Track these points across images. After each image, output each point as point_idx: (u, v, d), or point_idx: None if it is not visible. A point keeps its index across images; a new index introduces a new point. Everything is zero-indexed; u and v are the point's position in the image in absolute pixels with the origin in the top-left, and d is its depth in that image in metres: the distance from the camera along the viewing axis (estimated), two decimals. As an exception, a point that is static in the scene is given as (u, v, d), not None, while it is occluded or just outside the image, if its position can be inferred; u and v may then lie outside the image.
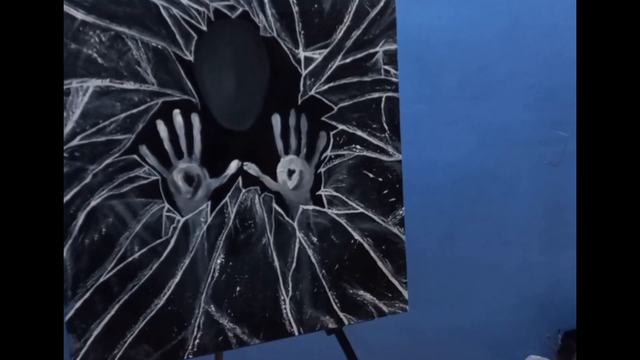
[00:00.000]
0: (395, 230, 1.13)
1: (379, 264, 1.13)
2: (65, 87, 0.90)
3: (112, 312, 0.97)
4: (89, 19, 0.91)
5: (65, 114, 0.91)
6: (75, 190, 0.93)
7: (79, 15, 0.90)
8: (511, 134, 1.62)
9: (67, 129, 0.91)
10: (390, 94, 1.09)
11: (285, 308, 1.07)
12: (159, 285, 0.99)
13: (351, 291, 1.12)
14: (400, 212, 1.13)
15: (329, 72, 1.05)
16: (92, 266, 0.95)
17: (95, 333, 0.96)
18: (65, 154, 0.91)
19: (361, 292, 1.12)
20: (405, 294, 1.16)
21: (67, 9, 0.89)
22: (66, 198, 0.92)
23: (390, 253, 1.14)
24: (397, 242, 1.14)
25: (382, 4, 1.06)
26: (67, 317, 0.94)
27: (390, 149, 1.11)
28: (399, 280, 1.15)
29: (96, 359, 0.96)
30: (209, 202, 1.01)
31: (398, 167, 1.12)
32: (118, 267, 0.96)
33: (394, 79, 1.09)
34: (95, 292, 0.95)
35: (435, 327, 1.66)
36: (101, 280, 0.96)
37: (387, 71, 1.08)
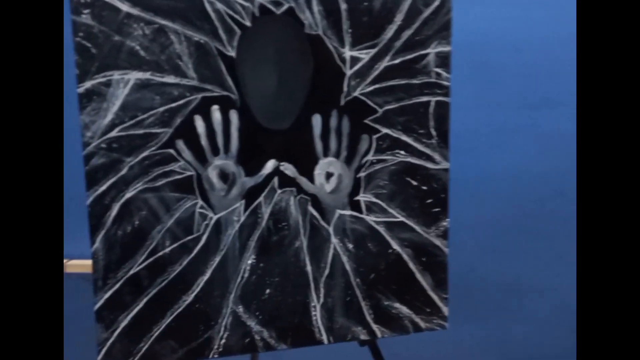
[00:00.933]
0: (437, 242, 1.10)
1: (418, 276, 1.10)
2: (106, 78, 0.92)
3: (140, 305, 0.99)
4: (134, 11, 0.92)
5: (105, 105, 0.93)
6: (111, 181, 0.95)
7: (125, 7, 0.92)
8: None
9: (106, 120, 0.93)
10: (440, 98, 1.05)
11: (315, 314, 1.06)
12: (188, 281, 1.00)
13: (386, 303, 1.09)
14: (444, 223, 1.09)
15: (376, 73, 1.02)
16: (123, 258, 0.97)
17: (122, 325, 0.98)
18: (103, 145, 0.94)
19: (397, 305, 1.10)
20: (445, 310, 1.12)
21: (113, 0, 0.91)
22: (102, 188, 0.95)
23: (431, 265, 1.10)
24: (438, 254, 1.10)
25: (437, 3, 1.02)
26: (96, 307, 0.97)
27: (437, 157, 1.07)
28: (438, 295, 1.11)
29: (122, 351, 0.98)
30: (243, 201, 1.01)
31: (444, 176, 1.08)
32: (148, 261, 0.98)
33: (445, 83, 1.05)
34: (124, 284, 0.97)
35: (477, 345, 1.60)
36: (131, 272, 0.98)
37: (438, 74, 1.05)
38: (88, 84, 0.92)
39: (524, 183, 1.58)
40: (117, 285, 0.97)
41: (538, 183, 1.57)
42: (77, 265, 1.53)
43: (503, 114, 1.50)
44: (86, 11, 0.90)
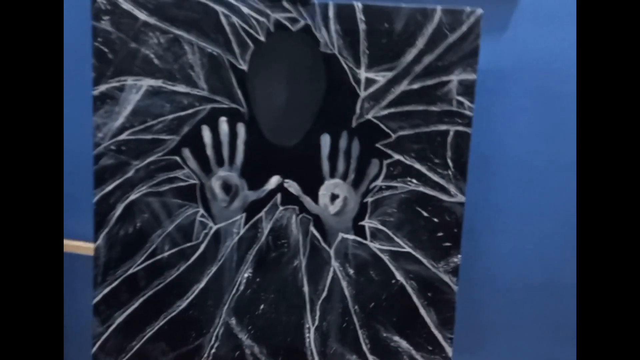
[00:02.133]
0: (446, 278, 1.06)
1: (422, 311, 1.07)
2: (120, 83, 0.98)
3: (136, 304, 1.03)
4: (151, 20, 0.97)
5: (117, 109, 0.98)
6: (117, 182, 1.00)
7: (142, 16, 0.96)
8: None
9: (117, 123, 0.98)
10: (460, 128, 1.02)
11: (309, 337, 1.06)
12: (184, 287, 1.04)
13: (385, 334, 1.07)
14: (455, 259, 1.05)
15: (391, 97, 1.01)
16: (123, 257, 1.02)
17: (118, 321, 1.03)
18: (112, 147, 0.99)
19: (396, 338, 1.07)
20: (449, 350, 1.08)
21: (131, 9, 0.96)
22: (108, 188, 1.00)
23: (437, 302, 1.07)
24: (446, 291, 1.06)
25: (464, 29, 0.99)
26: (94, 301, 1.03)
27: (452, 189, 1.03)
28: (443, 334, 1.07)
29: (116, 346, 1.04)
30: (244, 214, 1.03)
31: (459, 210, 1.04)
32: (147, 263, 1.02)
33: (467, 113, 1.01)
34: (122, 282, 1.02)
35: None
36: (130, 272, 1.02)
37: (460, 103, 1.01)
38: (103, 87, 0.97)
39: (573, 222, 1.48)
40: (115, 283, 1.02)
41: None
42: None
43: (560, 147, 1.41)
44: (106, 18, 0.96)
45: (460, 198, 1.04)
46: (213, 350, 1.05)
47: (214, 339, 1.05)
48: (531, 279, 1.49)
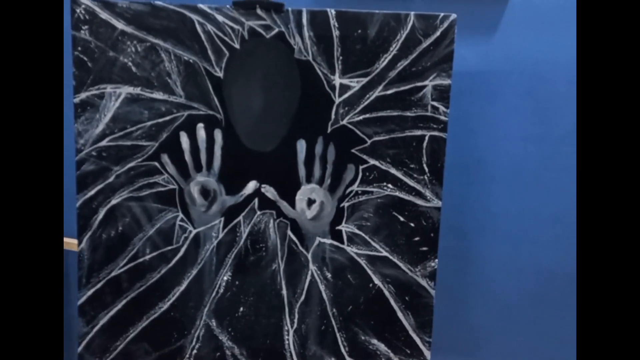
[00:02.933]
0: (423, 282, 1.07)
1: (400, 315, 1.08)
2: (100, 91, 1.01)
3: (119, 305, 1.07)
4: (128, 29, 1.00)
5: (97, 116, 1.02)
6: (99, 187, 1.04)
7: (120, 25, 1.00)
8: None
9: (98, 130, 1.02)
10: (436, 133, 1.03)
11: (288, 339, 1.09)
12: (165, 289, 1.07)
13: (363, 337, 1.09)
14: (432, 264, 1.07)
15: (366, 103, 1.02)
16: (106, 259, 1.06)
17: (102, 322, 1.07)
18: (94, 153, 1.03)
19: (374, 341, 1.09)
20: (427, 353, 1.10)
21: (109, 18, 0.99)
22: (90, 193, 1.04)
23: (415, 306, 1.08)
24: (424, 295, 1.08)
25: (438, 34, 1.00)
26: (79, 302, 1.07)
27: (427, 193, 1.05)
28: (421, 338, 1.09)
29: (100, 346, 1.08)
30: (222, 219, 1.06)
31: (435, 215, 1.06)
32: (129, 265, 1.06)
33: (442, 117, 1.02)
34: (106, 284, 1.06)
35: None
36: (112, 274, 1.06)
37: (435, 108, 1.02)
38: (83, 95, 1.01)
39: (569, 225, 1.47)
40: (99, 285, 1.06)
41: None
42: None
43: (553, 150, 1.41)
44: (85, 27, 0.99)
45: (436, 203, 1.05)
46: (194, 351, 1.08)
47: (195, 340, 1.08)
48: (526, 282, 1.50)
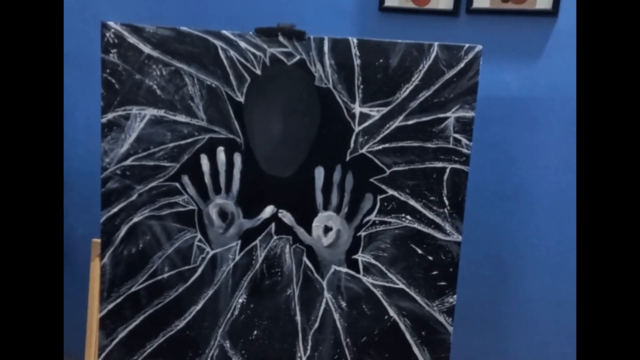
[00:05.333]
0: (440, 318, 1.06)
1: (415, 349, 1.08)
2: (126, 112, 1.06)
3: (138, 321, 1.12)
4: (154, 53, 1.04)
5: (123, 136, 1.07)
6: (122, 204, 1.09)
7: (147, 49, 1.04)
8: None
9: (122, 149, 1.07)
10: (457, 165, 1.02)
11: (300, 365, 1.10)
12: (182, 308, 1.11)
13: (377, 369, 1.09)
14: (451, 299, 1.06)
15: (386, 132, 1.02)
16: (126, 275, 1.11)
17: (121, 335, 1.12)
18: (118, 171, 1.08)
19: (388, 374, 1.09)
20: (442, 391, 1.09)
21: (137, 42, 1.04)
22: (114, 210, 1.09)
23: (431, 342, 1.07)
24: (441, 331, 1.07)
25: (462, 65, 0.99)
26: (100, 315, 1.12)
27: (447, 227, 1.04)
28: (436, 374, 1.08)
29: (118, 359, 1.13)
30: (239, 241, 1.08)
31: (455, 249, 1.04)
32: (148, 282, 1.11)
33: (464, 150, 1.01)
34: (126, 299, 1.11)
35: None
36: (132, 290, 1.11)
37: (457, 140, 1.01)
38: (110, 116, 1.06)
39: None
40: (119, 300, 1.11)
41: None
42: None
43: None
44: (113, 51, 1.04)
45: (456, 237, 1.04)
46: (208, 371, 1.11)
47: (209, 359, 1.11)
48: (564, 315, 1.45)
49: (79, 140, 1.65)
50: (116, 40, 1.04)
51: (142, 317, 1.11)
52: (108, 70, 1.05)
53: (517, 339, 1.51)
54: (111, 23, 1.04)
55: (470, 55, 0.98)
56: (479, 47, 0.98)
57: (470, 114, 1.00)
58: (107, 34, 1.04)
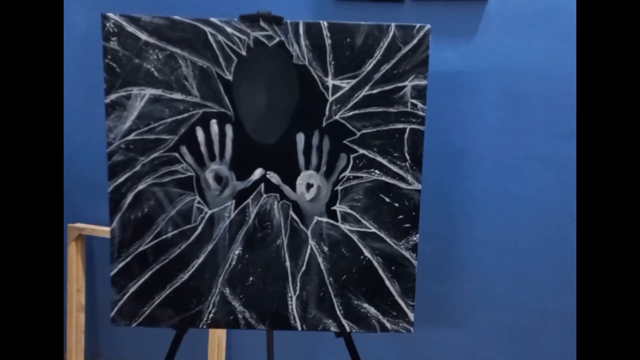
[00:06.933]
0: (406, 254, 1.28)
1: (387, 282, 1.29)
2: (127, 92, 1.22)
3: (146, 276, 1.28)
4: (151, 40, 1.20)
5: (125, 114, 1.22)
6: (127, 174, 1.25)
7: (143, 36, 1.20)
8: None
9: (125, 126, 1.23)
10: (415, 126, 1.23)
11: (291, 304, 1.30)
12: (185, 262, 1.28)
13: (356, 302, 1.30)
14: (414, 238, 1.28)
15: (355, 100, 1.22)
16: (133, 237, 1.27)
17: (131, 290, 1.29)
18: (122, 145, 1.24)
19: (365, 305, 1.30)
20: (410, 315, 1.31)
21: (134, 31, 1.19)
22: (120, 180, 1.25)
23: (399, 275, 1.29)
24: (407, 265, 1.29)
25: (415, 41, 1.20)
26: (112, 273, 1.28)
27: (409, 178, 1.25)
28: (405, 302, 1.30)
29: (130, 311, 1.29)
30: (234, 201, 1.27)
31: (416, 196, 1.26)
32: (154, 242, 1.27)
33: (420, 113, 1.22)
34: (134, 258, 1.28)
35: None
36: (140, 249, 1.27)
37: (414, 104, 1.22)
38: (113, 97, 1.21)
39: (542, 208, 1.67)
40: (129, 259, 1.28)
41: (556, 210, 1.65)
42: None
43: (527, 141, 1.61)
44: (114, 39, 1.19)
45: (417, 186, 1.25)
46: (211, 315, 1.30)
47: (211, 305, 1.29)
48: (506, 258, 1.70)
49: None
50: (115, 30, 1.19)
51: (150, 273, 1.28)
52: (109, 56, 1.20)
53: (465, 282, 1.75)
54: (110, 14, 1.19)
55: (422, 33, 1.19)
56: (428, 26, 1.19)
57: (423, 82, 1.22)
58: (107, 24, 1.19)
